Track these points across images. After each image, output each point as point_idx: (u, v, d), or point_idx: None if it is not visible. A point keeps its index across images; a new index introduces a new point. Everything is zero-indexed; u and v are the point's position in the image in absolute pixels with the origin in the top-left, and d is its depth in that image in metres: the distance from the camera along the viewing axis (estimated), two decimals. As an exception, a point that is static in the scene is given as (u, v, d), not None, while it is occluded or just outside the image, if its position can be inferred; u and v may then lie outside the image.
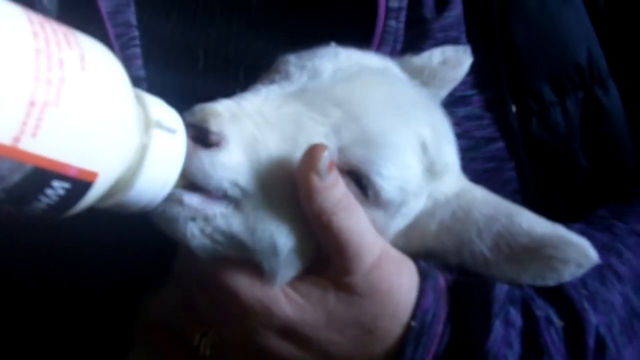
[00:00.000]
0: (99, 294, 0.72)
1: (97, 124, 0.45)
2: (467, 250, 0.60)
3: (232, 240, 0.55)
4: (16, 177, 0.43)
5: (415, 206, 0.60)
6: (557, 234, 0.58)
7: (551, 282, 0.59)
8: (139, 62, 0.70)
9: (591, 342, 0.59)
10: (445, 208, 0.61)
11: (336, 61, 0.60)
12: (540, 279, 0.59)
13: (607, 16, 0.73)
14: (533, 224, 0.58)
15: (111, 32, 0.67)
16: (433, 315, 0.58)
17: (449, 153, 0.61)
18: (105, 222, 0.56)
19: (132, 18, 0.71)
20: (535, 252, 0.58)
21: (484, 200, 0.61)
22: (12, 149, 0.41)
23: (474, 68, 0.69)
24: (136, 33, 0.70)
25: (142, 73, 0.70)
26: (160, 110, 0.51)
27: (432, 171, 0.59)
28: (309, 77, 0.59)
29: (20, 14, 0.43)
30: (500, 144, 0.73)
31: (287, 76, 0.59)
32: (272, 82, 0.59)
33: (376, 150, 0.56)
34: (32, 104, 0.41)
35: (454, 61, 0.69)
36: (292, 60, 0.60)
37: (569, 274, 0.58)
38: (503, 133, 0.73)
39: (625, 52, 0.73)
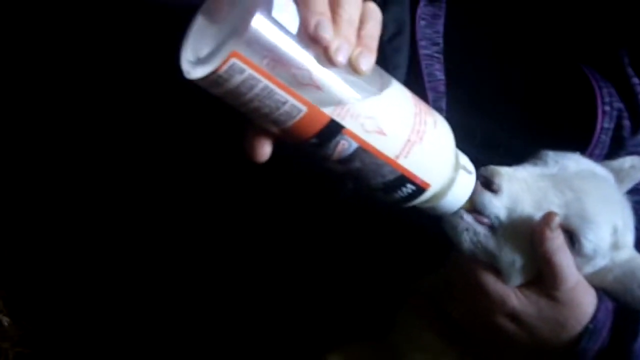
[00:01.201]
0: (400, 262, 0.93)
1: (436, 156, 0.64)
2: (629, 294, 0.80)
3: (487, 250, 0.76)
4: (392, 176, 0.62)
5: (600, 262, 0.80)
6: None
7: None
8: None
9: None
10: (619, 268, 0.81)
11: (577, 163, 0.81)
12: None
13: None
14: None
15: None
16: (603, 323, 0.77)
17: (629, 237, 0.82)
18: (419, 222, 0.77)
19: (444, 104, 0.94)
20: None
21: None
22: (394, 162, 0.60)
23: None
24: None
25: None
26: (465, 159, 0.70)
27: (616, 245, 0.79)
28: (559, 168, 0.80)
29: (410, 96, 0.63)
30: None
31: (545, 163, 0.81)
32: (534, 164, 0.81)
33: (587, 223, 0.77)
34: (408, 141, 0.60)
35: (638, 167, 0.88)
36: (550, 155, 0.81)
37: None
38: None
39: None
